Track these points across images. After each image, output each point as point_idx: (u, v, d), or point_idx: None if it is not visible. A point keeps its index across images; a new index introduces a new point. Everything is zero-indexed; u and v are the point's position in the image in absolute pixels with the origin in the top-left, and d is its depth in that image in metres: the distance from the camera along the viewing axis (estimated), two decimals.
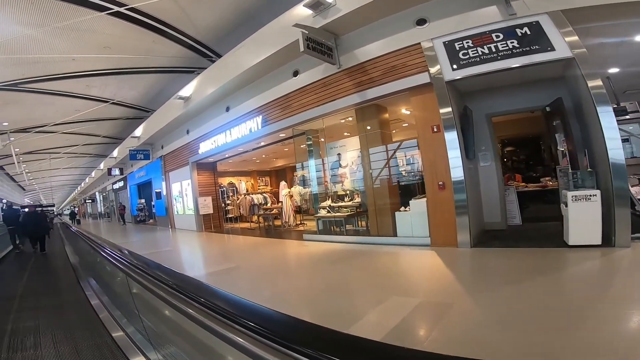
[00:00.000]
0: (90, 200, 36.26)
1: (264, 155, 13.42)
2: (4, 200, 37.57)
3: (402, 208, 6.02)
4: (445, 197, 5.23)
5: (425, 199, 5.64)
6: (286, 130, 7.93)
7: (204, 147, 10.72)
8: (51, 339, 3.67)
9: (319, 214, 7.30)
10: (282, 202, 10.12)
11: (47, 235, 11.90)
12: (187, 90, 10.32)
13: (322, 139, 8.09)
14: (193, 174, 11.59)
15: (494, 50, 4.86)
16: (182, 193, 12.58)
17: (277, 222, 10.46)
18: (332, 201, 7.42)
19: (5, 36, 10.06)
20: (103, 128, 23.30)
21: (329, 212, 7.09)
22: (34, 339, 3.69)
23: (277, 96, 7.82)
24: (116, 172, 20.00)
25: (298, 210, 10.18)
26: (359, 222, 7.31)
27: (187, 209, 12.34)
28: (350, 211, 6.93)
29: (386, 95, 5.90)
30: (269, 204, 11.04)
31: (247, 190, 15.04)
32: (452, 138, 5.14)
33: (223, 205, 12.30)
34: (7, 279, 7.38)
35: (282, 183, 11.08)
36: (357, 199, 7.01)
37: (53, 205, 46.86)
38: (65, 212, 45.09)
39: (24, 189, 47.08)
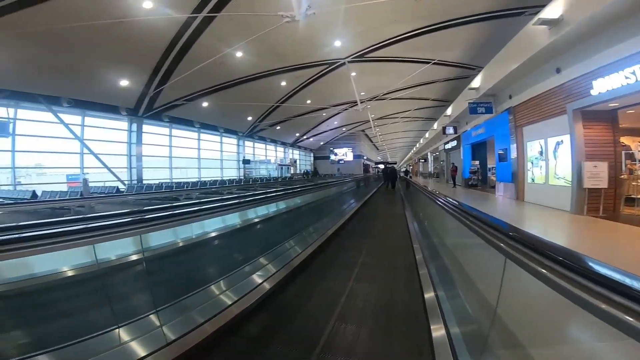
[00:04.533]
0: (422, 160, 39.83)
1: None
2: (365, 157, 49.39)
3: None
4: None
5: None
6: None
7: (605, 85, 6.56)
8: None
9: None
10: None
11: (396, 180, 23.93)
12: (553, 10, 6.80)
13: None
14: (576, 126, 7.68)
15: None
16: (546, 154, 9.02)
17: None
18: None
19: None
20: (431, 91, 23.55)
21: None
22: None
23: None
24: (450, 130, 19.17)
25: None
26: None
27: (554, 177, 8.74)
28: None
29: None
30: None
31: None
32: None
33: (626, 177, 7.54)
34: (381, 195, 19.58)
35: None
36: None
37: (395, 163, 56.90)
38: (402, 169, 53.16)
39: (377, 149, 60.29)
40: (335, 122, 32.99)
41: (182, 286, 2.95)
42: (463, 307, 2.53)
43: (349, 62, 17.14)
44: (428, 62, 17.41)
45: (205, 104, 18.83)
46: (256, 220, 4.95)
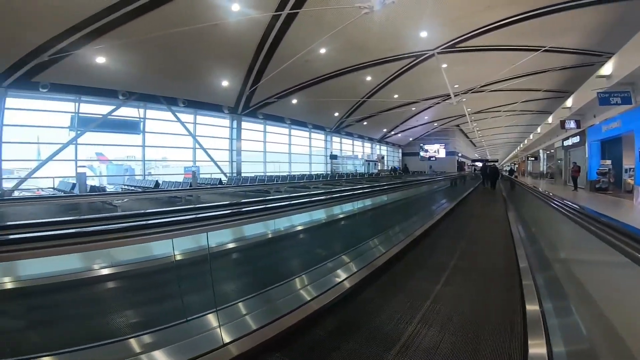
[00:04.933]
0: (532, 158, 34.82)
1: None
2: (460, 154, 45.51)
3: None
4: None
5: None
6: None
7: None
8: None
9: None
10: None
11: (497, 180, 21.26)
12: None
13: None
14: None
15: None
16: None
17: None
18: None
19: None
20: (543, 81, 20.15)
21: None
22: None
23: None
24: (571, 125, 16.25)
25: None
26: None
27: None
28: None
29: None
30: None
31: None
32: None
33: None
34: (479, 194, 18.03)
35: None
36: None
37: (496, 161, 51.08)
38: (505, 168, 47.48)
39: (474, 145, 55.02)
40: (426, 117, 31.10)
41: (266, 277, 3.04)
42: (578, 334, 2.09)
43: (438, 53, 15.80)
44: (537, 50, 14.94)
45: (294, 101, 19.74)
46: (340, 216, 4.89)
